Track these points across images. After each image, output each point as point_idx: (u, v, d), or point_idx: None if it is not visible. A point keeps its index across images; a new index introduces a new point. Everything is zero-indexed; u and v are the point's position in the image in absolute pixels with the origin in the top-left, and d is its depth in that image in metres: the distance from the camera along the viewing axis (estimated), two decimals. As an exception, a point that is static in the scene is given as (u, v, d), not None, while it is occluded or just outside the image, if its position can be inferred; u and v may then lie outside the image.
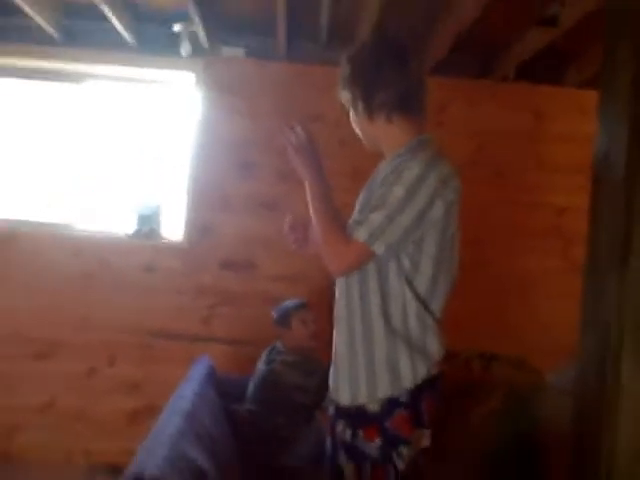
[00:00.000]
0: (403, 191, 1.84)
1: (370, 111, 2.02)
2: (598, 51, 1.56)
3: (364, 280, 1.95)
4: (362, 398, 1.93)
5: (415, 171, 1.85)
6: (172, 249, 4.08)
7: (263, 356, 3.34)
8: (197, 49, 4.03)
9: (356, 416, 1.95)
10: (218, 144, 4.07)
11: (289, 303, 3.44)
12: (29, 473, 3.71)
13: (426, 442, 1.94)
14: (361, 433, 1.93)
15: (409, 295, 1.92)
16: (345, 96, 2.07)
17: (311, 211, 1.98)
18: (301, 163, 2.04)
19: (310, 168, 2.03)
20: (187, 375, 2.99)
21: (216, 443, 2.48)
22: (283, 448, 2.97)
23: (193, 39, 3.95)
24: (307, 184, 2.02)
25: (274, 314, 3.41)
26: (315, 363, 3.22)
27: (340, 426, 1.99)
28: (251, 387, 3.20)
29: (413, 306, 1.92)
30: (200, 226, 4.05)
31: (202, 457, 2.18)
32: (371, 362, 1.93)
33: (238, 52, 4.14)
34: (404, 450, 1.90)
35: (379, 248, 1.86)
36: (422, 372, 1.92)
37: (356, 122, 2.09)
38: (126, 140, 4.32)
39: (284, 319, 3.36)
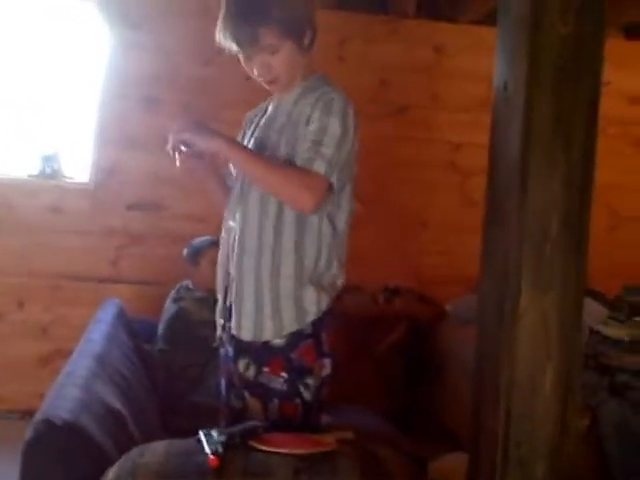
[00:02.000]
0: (339, 123, 1.88)
1: (301, 46, 1.97)
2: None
3: (280, 214, 1.94)
4: (267, 333, 1.94)
5: (342, 103, 1.90)
6: (78, 190, 4.01)
7: (171, 295, 3.35)
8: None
9: (260, 352, 1.96)
10: (122, 80, 3.97)
11: (201, 241, 3.42)
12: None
13: (327, 371, 1.98)
14: (266, 369, 1.95)
15: (327, 231, 1.95)
16: (269, 38, 1.92)
17: (249, 172, 1.94)
18: (204, 139, 1.90)
19: (216, 136, 1.89)
20: (95, 317, 2.99)
21: (129, 384, 2.50)
22: (195, 385, 3.03)
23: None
24: (227, 152, 1.91)
25: (185, 250, 3.41)
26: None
27: (241, 364, 1.99)
28: (161, 326, 3.23)
29: (328, 242, 1.96)
30: (106, 166, 3.99)
31: (115, 399, 2.19)
32: (277, 297, 1.94)
33: (141, -19, 4.01)
34: (310, 381, 1.95)
35: (335, 180, 1.89)
36: (325, 304, 1.96)
37: (277, 64, 1.97)
38: (26, 77, 4.15)
39: (194, 257, 3.36)
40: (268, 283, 1.95)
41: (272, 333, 1.95)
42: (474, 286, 1.86)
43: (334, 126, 1.88)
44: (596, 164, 1.62)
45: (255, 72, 2.01)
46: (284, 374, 1.94)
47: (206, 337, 3.12)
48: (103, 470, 1.67)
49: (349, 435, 1.87)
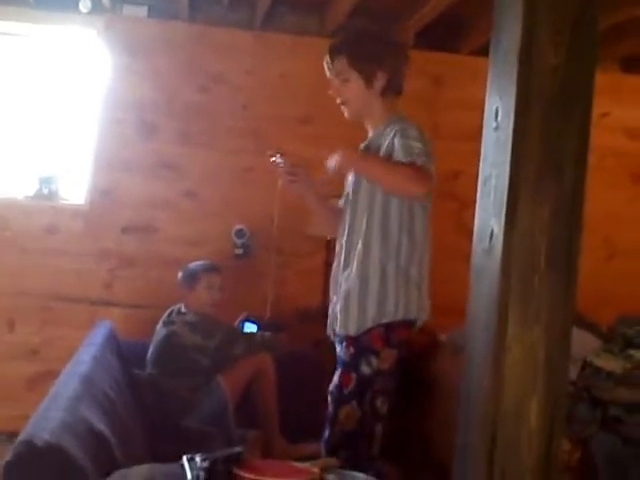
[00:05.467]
0: (421, 142, 2.33)
1: (370, 83, 2.43)
2: (491, 18, 1.66)
3: (386, 222, 2.38)
4: (369, 324, 2.36)
5: (416, 131, 2.36)
6: (73, 211, 4.01)
7: (163, 318, 3.34)
8: (97, 7, 3.92)
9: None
10: (120, 105, 4.01)
11: (197, 265, 3.42)
12: None
13: (391, 362, 2.38)
14: (344, 344, 2.41)
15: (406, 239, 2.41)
16: (340, 65, 2.43)
17: (372, 174, 2.38)
18: (350, 167, 2.43)
19: (353, 164, 2.40)
20: (87, 340, 2.98)
21: (115, 407, 2.49)
22: (183, 411, 3.01)
23: (93, -4, 3.85)
24: (361, 171, 2.42)
25: (181, 273, 3.40)
26: (215, 325, 3.25)
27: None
28: (151, 350, 3.22)
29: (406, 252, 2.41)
30: (101, 188, 3.99)
31: (100, 421, 2.18)
32: (384, 297, 2.36)
33: (140, 11, 4.06)
34: (373, 360, 2.34)
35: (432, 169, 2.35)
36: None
37: (346, 91, 2.45)
38: (25, 100, 4.18)
39: (191, 279, 3.35)
40: (375, 285, 2.39)
41: (371, 323, 2.37)
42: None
43: (416, 143, 2.32)
44: (586, 195, 1.62)
45: (331, 92, 2.49)
46: (352, 349, 2.37)
47: (197, 361, 3.13)
48: (84, 494, 1.64)
49: (333, 462, 1.85)
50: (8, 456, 1.74)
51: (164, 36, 4.03)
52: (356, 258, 2.40)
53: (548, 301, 1.54)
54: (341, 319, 2.43)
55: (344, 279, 2.44)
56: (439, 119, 4.27)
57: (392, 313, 2.37)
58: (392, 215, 2.39)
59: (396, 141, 2.34)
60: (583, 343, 3.06)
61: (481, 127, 1.91)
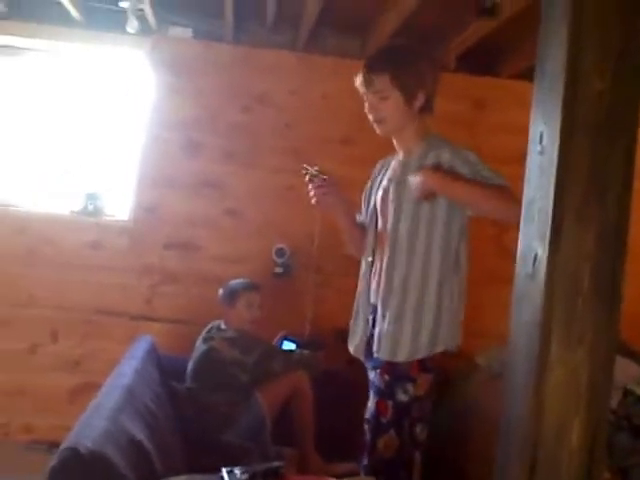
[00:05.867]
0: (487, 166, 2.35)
1: (410, 102, 2.37)
2: (535, 43, 1.67)
3: (447, 249, 2.35)
4: (422, 353, 2.32)
5: (474, 156, 2.38)
6: (117, 227, 4.09)
7: (202, 334, 3.37)
8: (145, 28, 4.02)
9: (378, 360, 2.38)
10: (164, 123, 4.08)
11: (237, 283, 3.45)
12: (-32, 448, 3.71)
13: (427, 387, 2.34)
14: (378, 371, 2.37)
15: (459, 267, 2.41)
16: (381, 82, 2.35)
17: (465, 197, 2.31)
18: (440, 189, 2.31)
19: (445, 186, 2.31)
20: (128, 353, 3.03)
21: (156, 419, 2.53)
22: (222, 425, 3.02)
23: (141, 18, 3.94)
24: (455, 194, 2.32)
25: (221, 290, 3.44)
26: (254, 341, 3.27)
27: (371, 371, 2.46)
28: (190, 364, 3.24)
29: (458, 280, 2.40)
30: (145, 205, 4.07)
31: (141, 432, 2.22)
32: (417, 331, 2.32)
33: (186, 32, 4.15)
34: (409, 387, 2.31)
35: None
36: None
37: (384, 108, 2.38)
38: (72, 117, 4.29)
39: (231, 297, 3.38)
40: (430, 313, 2.35)
41: (426, 352, 2.34)
42: (506, 340, 1.86)
43: (486, 166, 2.34)
44: (630, 220, 1.61)
45: (366, 109, 2.41)
46: (387, 377, 2.33)
47: (235, 376, 3.15)
48: (125, 501, 1.67)
49: (371, 481, 1.85)
50: (53, 461, 1.79)
51: (208, 57, 4.11)
52: (412, 283, 2.34)
53: (592, 324, 1.54)
54: (387, 345, 2.35)
55: (391, 303, 2.36)
56: (481, 142, 4.26)
57: (445, 341, 2.34)
58: (452, 242, 2.36)
59: (459, 164, 2.31)
60: (625, 371, 3.02)
61: (522, 151, 1.92)
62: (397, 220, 2.40)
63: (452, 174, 2.30)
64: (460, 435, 3.18)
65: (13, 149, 4.22)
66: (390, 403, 2.32)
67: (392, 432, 2.31)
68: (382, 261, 2.43)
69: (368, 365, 2.49)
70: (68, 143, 4.28)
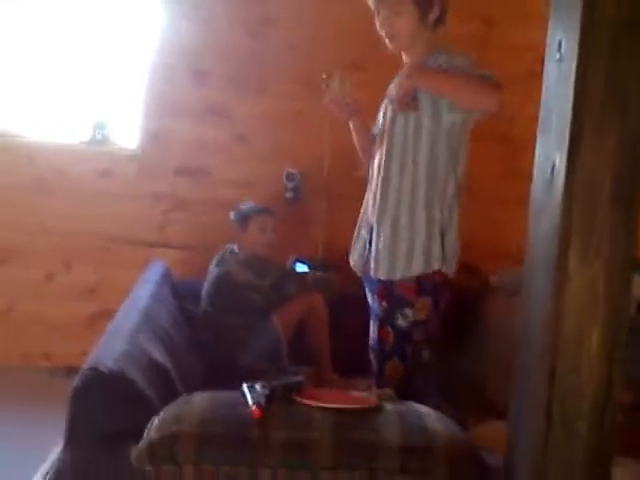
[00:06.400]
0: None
1: (425, 17, 2.30)
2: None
3: (434, 163, 2.27)
4: (415, 271, 2.27)
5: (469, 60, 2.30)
6: (126, 156, 4.06)
7: (216, 258, 3.37)
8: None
9: (374, 283, 2.37)
10: (171, 50, 4.00)
11: (252, 206, 3.43)
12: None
13: (428, 310, 2.29)
14: (375, 296, 2.36)
15: (452, 182, 2.31)
16: None
17: (443, 86, 2.24)
18: (419, 84, 2.26)
19: (422, 77, 2.26)
20: (142, 277, 3.05)
21: (173, 341, 2.56)
22: (239, 347, 3.06)
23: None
24: (433, 84, 2.26)
25: (233, 214, 3.43)
26: (269, 264, 3.28)
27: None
28: (205, 288, 3.26)
29: (450, 195, 2.30)
30: (153, 133, 4.03)
31: (160, 353, 2.25)
32: (411, 247, 2.28)
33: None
34: (408, 312, 2.27)
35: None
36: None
37: (398, 24, 2.29)
38: (78, 46, 4.21)
39: (243, 221, 3.36)
40: (405, 234, 2.31)
41: (402, 273, 2.29)
42: (520, 259, 1.86)
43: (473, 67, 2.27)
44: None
45: (378, 25, 2.33)
46: (385, 303, 2.31)
47: (250, 299, 3.18)
48: (147, 419, 1.71)
49: (389, 393, 1.88)
50: (75, 382, 1.82)
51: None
52: (401, 200, 2.30)
53: (609, 237, 1.53)
54: (383, 264, 2.32)
55: (385, 222, 2.33)
56: (491, 61, 4.18)
57: (439, 260, 2.29)
58: (440, 155, 2.27)
59: (452, 66, 2.26)
60: (638, 285, 3.02)
61: (534, 70, 1.88)
62: (390, 135, 2.34)
63: (429, 67, 2.28)
64: (478, 352, 3.22)
65: (19, 79, 4.16)
66: (390, 329, 2.30)
67: (395, 359, 2.30)
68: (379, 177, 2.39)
69: (367, 288, 2.47)
70: (74, 71, 4.21)
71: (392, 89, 2.36)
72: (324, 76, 2.42)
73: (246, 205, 3.42)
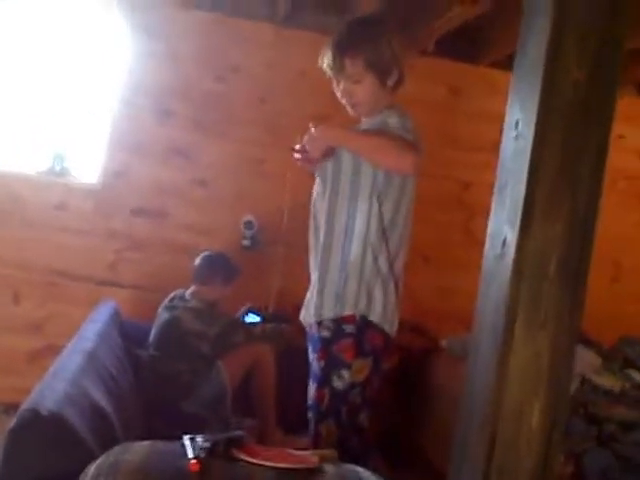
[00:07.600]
0: (403, 124, 2.26)
1: (385, 82, 2.30)
2: (514, 32, 1.67)
3: (351, 219, 2.29)
4: (345, 312, 2.26)
5: (401, 120, 2.27)
6: (84, 190, 4.02)
7: (165, 302, 3.35)
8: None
9: (315, 341, 2.32)
10: (137, 88, 4.01)
11: (229, 260, 3.42)
12: None
13: (366, 372, 2.22)
14: (315, 356, 2.31)
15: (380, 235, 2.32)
16: (353, 67, 2.26)
17: (356, 146, 2.26)
18: (330, 140, 2.29)
19: (336, 135, 2.29)
20: (90, 317, 3.00)
21: (117, 385, 2.51)
22: (183, 394, 3.03)
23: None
24: (345, 144, 2.28)
25: (222, 264, 3.39)
26: (218, 313, 3.28)
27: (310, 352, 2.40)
28: (153, 332, 3.23)
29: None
30: (114, 169, 4.00)
31: (102, 397, 2.21)
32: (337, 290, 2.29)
33: (164, -4, 4.07)
34: (345, 373, 2.22)
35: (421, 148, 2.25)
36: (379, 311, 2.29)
37: (359, 92, 2.30)
38: (42, 77, 4.19)
39: (230, 276, 3.38)
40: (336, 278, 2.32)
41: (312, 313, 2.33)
42: (470, 324, 1.88)
43: (399, 124, 2.24)
44: (600, 210, 1.63)
45: (338, 94, 2.34)
46: (322, 362, 2.27)
47: (197, 347, 3.15)
48: (85, 464, 1.67)
49: (332, 454, 1.87)
50: (12, 423, 1.77)
51: (186, 22, 4.03)
52: (340, 245, 2.31)
53: (555, 310, 1.57)
54: (307, 308, 2.36)
55: (330, 266, 2.33)
56: (454, 129, 4.28)
57: (379, 313, 2.28)
58: (372, 208, 2.29)
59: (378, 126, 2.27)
60: (583, 360, 3.08)
61: (495, 139, 1.93)
62: (323, 188, 2.39)
63: (345, 127, 2.33)
64: (421, 414, 3.23)
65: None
66: (326, 390, 2.26)
67: (330, 420, 2.26)
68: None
69: (310, 346, 2.42)
70: (37, 101, 4.18)
71: (306, 140, 2.33)
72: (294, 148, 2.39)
73: (225, 259, 3.42)
